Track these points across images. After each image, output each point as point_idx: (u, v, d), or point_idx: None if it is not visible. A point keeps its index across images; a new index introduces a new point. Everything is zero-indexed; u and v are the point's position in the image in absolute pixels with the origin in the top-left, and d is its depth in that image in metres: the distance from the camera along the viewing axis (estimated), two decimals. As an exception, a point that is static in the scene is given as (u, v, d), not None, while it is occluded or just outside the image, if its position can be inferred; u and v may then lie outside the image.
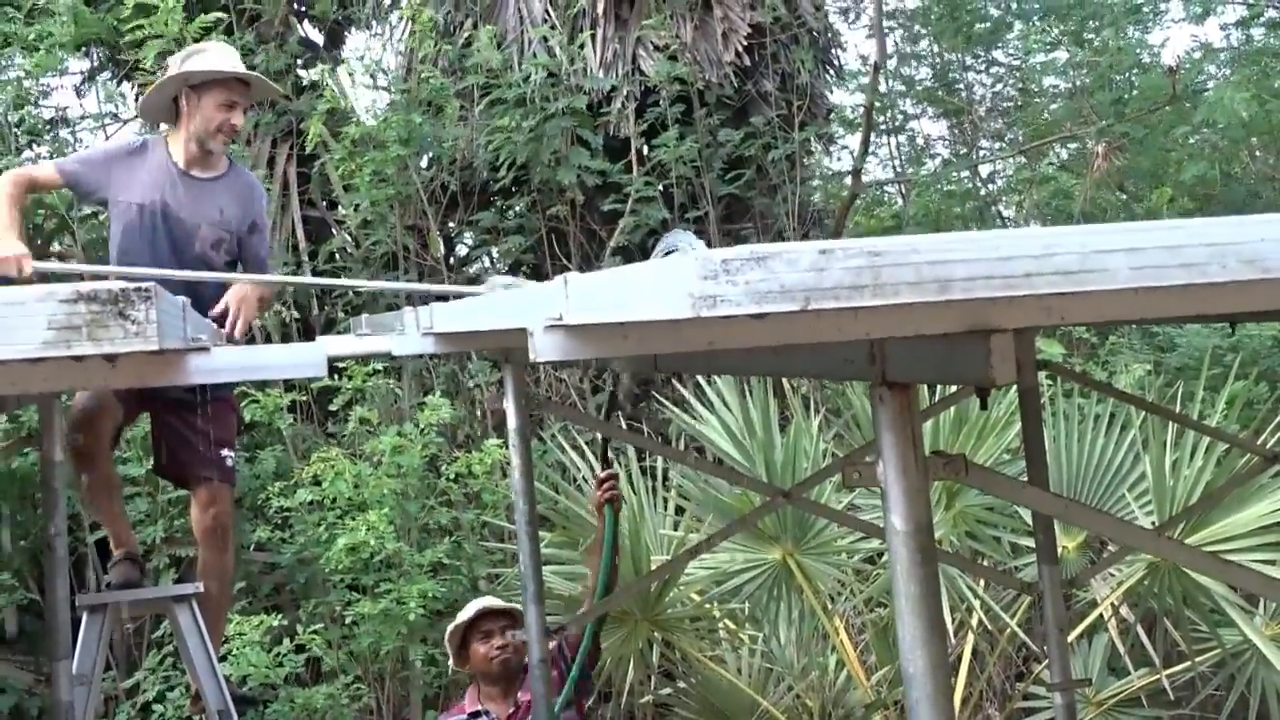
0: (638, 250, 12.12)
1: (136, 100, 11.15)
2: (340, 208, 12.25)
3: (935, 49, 20.54)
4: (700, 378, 8.60)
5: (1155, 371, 11.26)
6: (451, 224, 13.43)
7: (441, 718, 6.64)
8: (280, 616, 8.91)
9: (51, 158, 11.44)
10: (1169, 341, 13.00)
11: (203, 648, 5.73)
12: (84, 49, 11.96)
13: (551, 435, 9.99)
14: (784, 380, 9.20)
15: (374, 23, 14.33)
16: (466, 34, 12.86)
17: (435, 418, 9.56)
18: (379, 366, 10.14)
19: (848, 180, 15.87)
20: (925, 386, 5.38)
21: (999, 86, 21.36)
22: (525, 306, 2.66)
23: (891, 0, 20.18)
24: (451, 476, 9.61)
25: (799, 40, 13.78)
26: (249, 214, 6.11)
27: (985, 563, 8.08)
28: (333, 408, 10.28)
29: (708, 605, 8.23)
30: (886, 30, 17.58)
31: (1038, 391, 5.56)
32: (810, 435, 8.12)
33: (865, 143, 15.04)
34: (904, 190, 20.44)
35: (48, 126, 11.71)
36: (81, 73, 12.77)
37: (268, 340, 10.98)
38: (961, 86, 20.52)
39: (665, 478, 8.61)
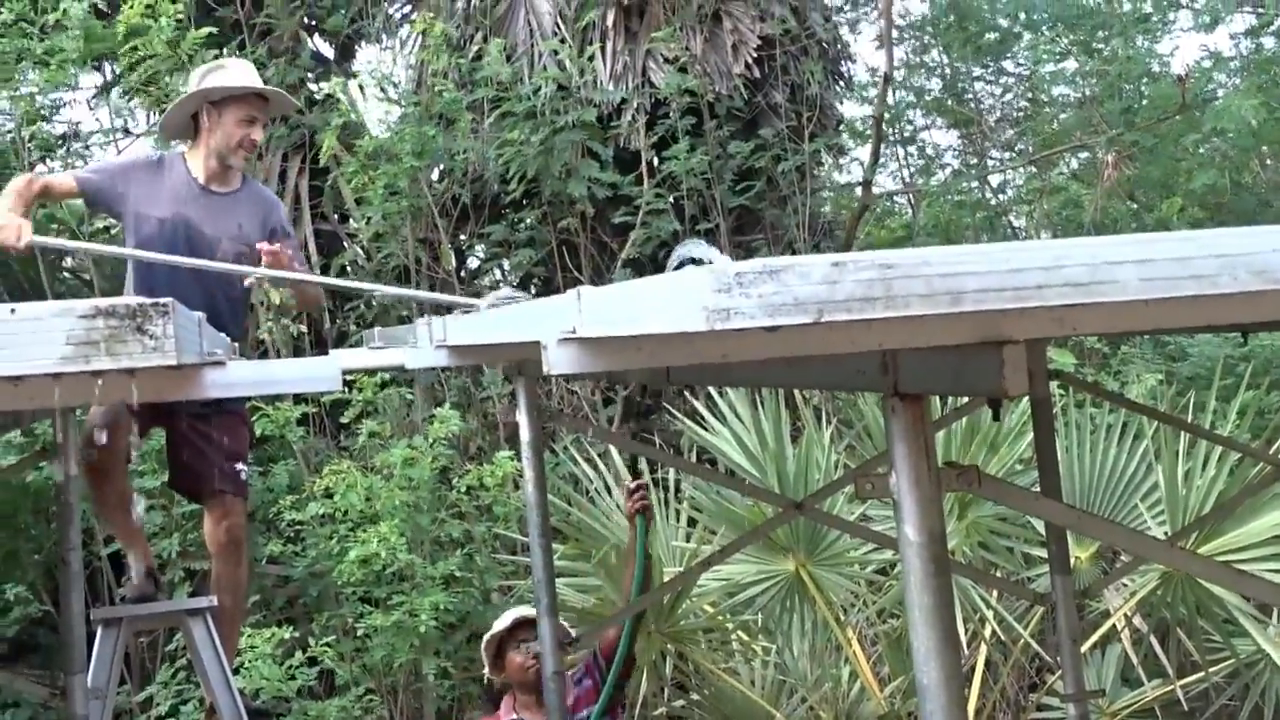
0: (649, 262, 12.12)
1: (148, 117, 11.20)
2: (352, 221, 12.28)
3: (945, 59, 20.53)
4: (712, 390, 8.60)
5: (1167, 381, 11.24)
6: (463, 237, 13.45)
7: (478, 725, 6.65)
8: (293, 629, 8.92)
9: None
10: (1180, 351, 12.98)
11: (217, 661, 5.74)
12: (96, 64, 11.98)
13: (564, 447, 9.99)
14: (795, 391, 9.20)
15: (384, 36, 14.36)
16: (476, 47, 12.88)
17: (445, 430, 9.57)
18: (389, 378, 10.15)
19: (858, 191, 15.87)
20: (936, 397, 5.38)
21: (1008, 96, 21.36)
22: (539, 319, 2.67)
23: (900, 11, 20.19)
24: (463, 489, 9.62)
25: (808, 52, 13.79)
26: (268, 224, 6.13)
27: (998, 573, 8.06)
28: (344, 420, 10.30)
29: (720, 617, 8.23)
30: (896, 41, 17.58)
31: (1050, 402, 5.56)
32: (822, 446, 8.12)
33: (875, 154, 15.05)
34: (911, 201, 20.44)
35: (60, 141, 11.74)
36: (95, 87, 12.80)
37: (277, 354, 10.98)
38: (971, 97, 20.51)
39: (677, 489, 8.61)
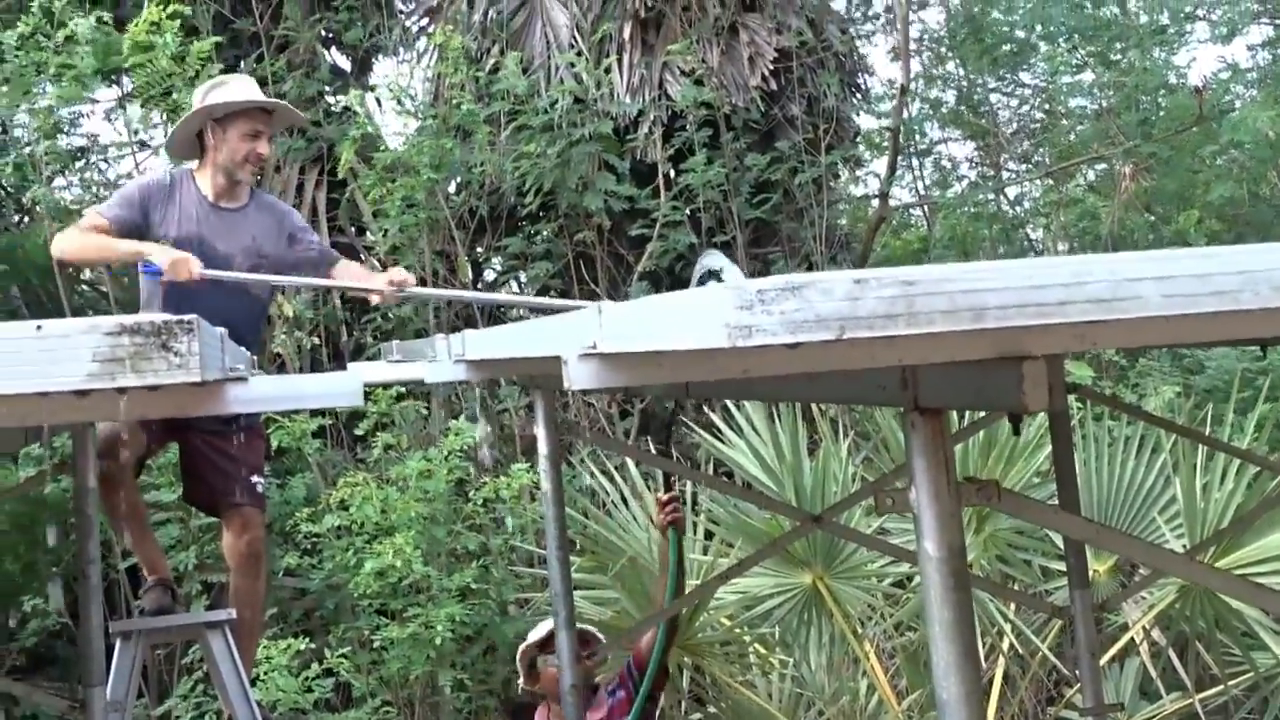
0: (665, 275, 12.14)
1: (165, 130, 11.22)
2: (369, 233, 12.30)
3: (961, 71, 20.52)
4: (729, 402, 8.60)
5: (1185, 394, 11.22)
6: (480, 249, 13.47)
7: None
8: (309, 641, 8.94)
9: (83, 185, 11.54)
10: (1198, 364, 12.96)
11: (235, 674, 5.74)
12: (113, 77, 12.02)
13: (580, 460, 10.00)
14: (812, 404, 9.20)
15: (401, 50, 14.41)
16: (494, 60, 12.91)
17: (460, 443, 9.58)
18: (405, 391, 10.16)
19: (874, 203, 15.88)
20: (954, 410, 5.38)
21: (1025, 108, 21.35)
22: (559, 335, 2.67)
23: (917, 23, 20.19)
24: (479, 501, 9.63)
25: (825, 64, 13.81)
26: (284, 231, 6.14)
27: (1016, 586, 8.05)
28: (358, 432, 10.32)
29: (738, 630, 8.22)
30: (912, 53, 17.59)
31: (1068, 415, 5.55)
32: (839, 459, 8.12)
33: (892, 166, 15.06)
34: (926, 213, 20.43)
35: (80, 154, 11.78)
36: (115, 100, 12.84)
37: (297, 368, 11.01)
38: (987, 109, 20.50)
39: (694, 502, 8.61)
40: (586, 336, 2.39)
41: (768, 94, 13.14)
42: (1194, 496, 7.56)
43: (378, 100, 13.31)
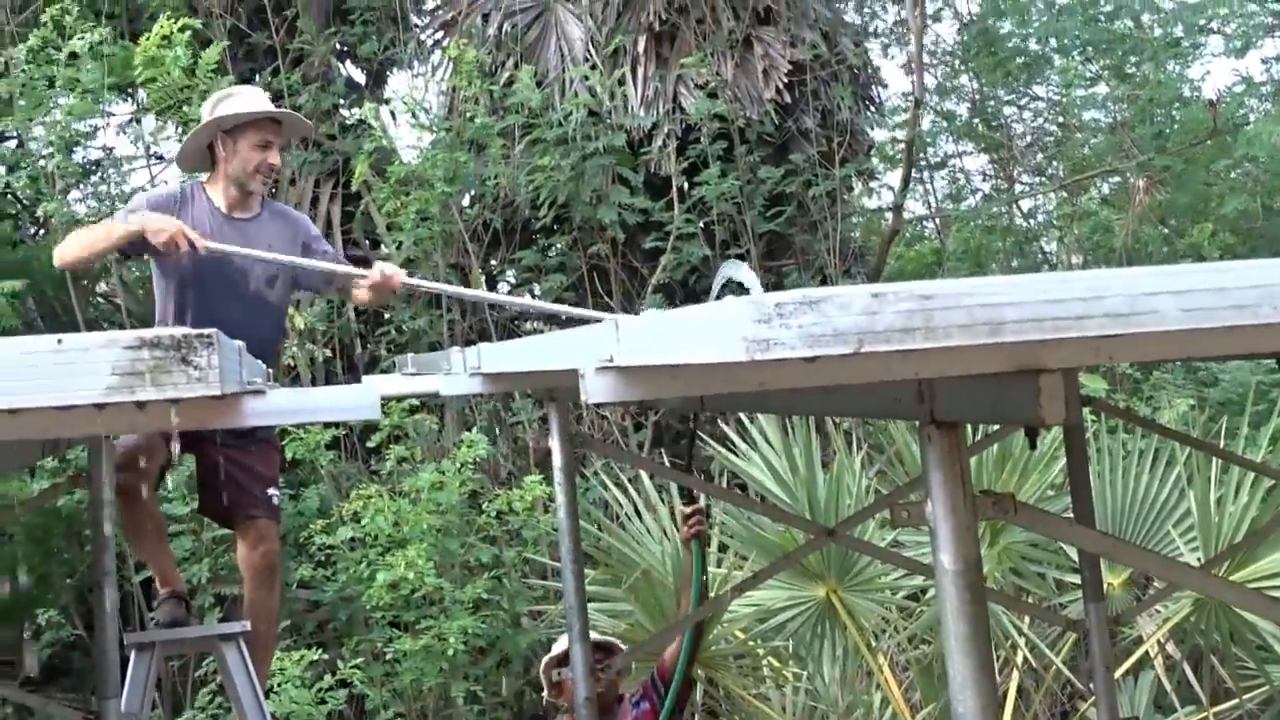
0: (679, 287, 12.15)
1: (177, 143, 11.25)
2: (383, 246, 12.32)
3: (975, 84, 20.51)
4: (743, 415, 8.60)
5: (1199, 407, 11.20)
6: (494, 262, 13.49)
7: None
8: (322, 652, 8.94)
9: (97, 198, 11.57)
10: (1212, 377, 12.93)
11: (250, 687, 5.74)
12: (128, 91, 12.06)
13: (594, 472, 10.00)
14: (826, 417, 9.19)
15: (416, 63, 14.43)
16: (508, 73, 12.93)
17: (472, 455, 9.58)
18: (418, 403, 10.17)
19: (888, 216, 15.87)
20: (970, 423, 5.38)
21: (1039, 121, 21.33)
22: (576, 348, 2.68)
23: (931, 33, 20.19)
24: (492, 513, 9.63)
25: (839, 77, 13.81)
26: (299, 240, 6.13)
27: (1030, 599, 8.04)
28: (371, 444, 10.33)
29: (751, 643, 8.21)
30: (926, 66, 17.59)
31: (1083, 428, 5.55)
32: (853, 472, 8.11)
33: (906, 179, 15.05)
34: (938, 226, 20.41)
35: (94, 167, 11.81)
36: (130, 113, 12.88)
37: (311, 380, 11.03)
38: (1001, 122, 20.49)
39: (708, 515, 8.60)
40: (603, 350, 2.39)
41: (782, 107, 13.15)
42: (1208, 510, 7.54)
43: (392, 114, 13.34)
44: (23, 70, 10.43)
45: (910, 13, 15.46)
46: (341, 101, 13.39)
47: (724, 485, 9.09)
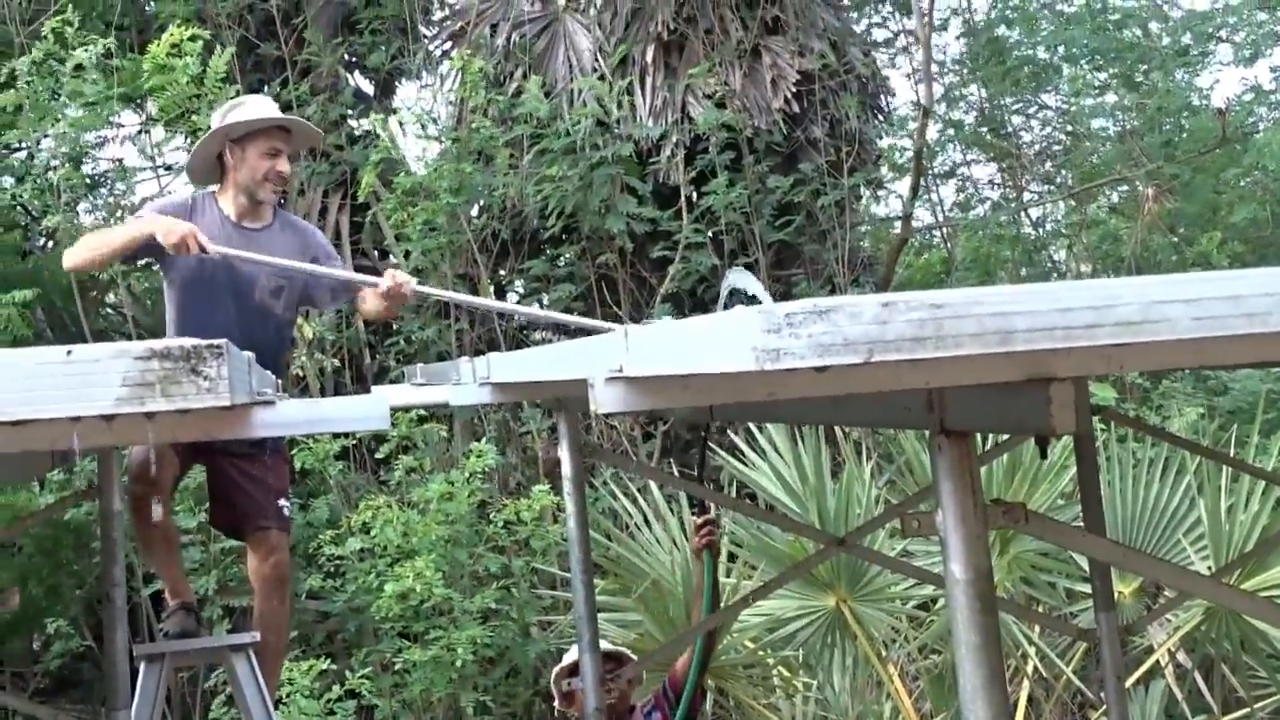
0: (688, 297, 12.15)
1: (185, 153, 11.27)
2: (392, 256, 12.34)
3: (983, 93, 20.51)
4: (752, 425, 8.59)
5: (1209, 416, 11.19)
6: (502, 272, 13.50)
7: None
8: (331, 662, 8.94)
9: (107, 209, 11.59)
10: (1222, 386, 12.92)
11: (260, 697, 5.74)
12: (138, 102, 12.08)
13: (603, 482, 10.00)
14: (836, 427, 9.18)
15: (424, 73, 14.45)
16: (516, 84, 12.94)
17: (481, 465, 9.58)
18: (428, 414, 10.18)
19: (897, 225, 15.87)
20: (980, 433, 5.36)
21: (1047, 130, 21.33)
22: (586, 358, 2.67)
23: (940, 45, 20.21)
24: (500, 523, 9.63)
25: (847, 86, 13.82)
26: (309, 252, 6.12)
27: (1040, 609, 8.03)
28: (379, 455, 10.33)
29: (761, 652, 8.20)
30: (935, 75, 17.59)
31: (1093, 437, 5.54)
32: (862, 482, 8.11)
33: (914, 188, 15.05)
34: (944, 235, 20.41)
35: (102, 179, 11.83)
36: (138, 125, 12.90)
37: (320, 390, 11.04)
38: (1009, 131, 20.49)
39: (718, 525, 8.59)
40: (613, 359, 2.39)
41: (790, 116, 13.16)
42: (1219, 518, 7.53)
43: (401, 124, 13.36)
44: (26, 83, 10.44)
45: (918, 22, 15.45)
46: (350, 112, 13.40)
47: (733, 495, 9.09)
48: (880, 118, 15.57)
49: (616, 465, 10.25)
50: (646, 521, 8.41)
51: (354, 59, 14.14)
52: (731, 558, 8.45)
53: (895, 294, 1.72)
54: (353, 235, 12.65)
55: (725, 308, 2.28)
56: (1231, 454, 8.51)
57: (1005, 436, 5.21)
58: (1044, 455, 4.55)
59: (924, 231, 19.98)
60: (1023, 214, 19.50)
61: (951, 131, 20.14)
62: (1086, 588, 6.92)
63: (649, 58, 13.26)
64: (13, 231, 11.27)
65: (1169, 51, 18.95)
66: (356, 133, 13.29)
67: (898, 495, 8.33)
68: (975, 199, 20.81)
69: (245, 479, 5.96)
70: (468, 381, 4.35)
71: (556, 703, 6.28)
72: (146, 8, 13.65)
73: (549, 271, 12.59)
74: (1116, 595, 6.84)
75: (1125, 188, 18.75)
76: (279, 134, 6.13)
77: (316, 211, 12.40)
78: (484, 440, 10.24)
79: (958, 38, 20.61)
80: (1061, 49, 19.05)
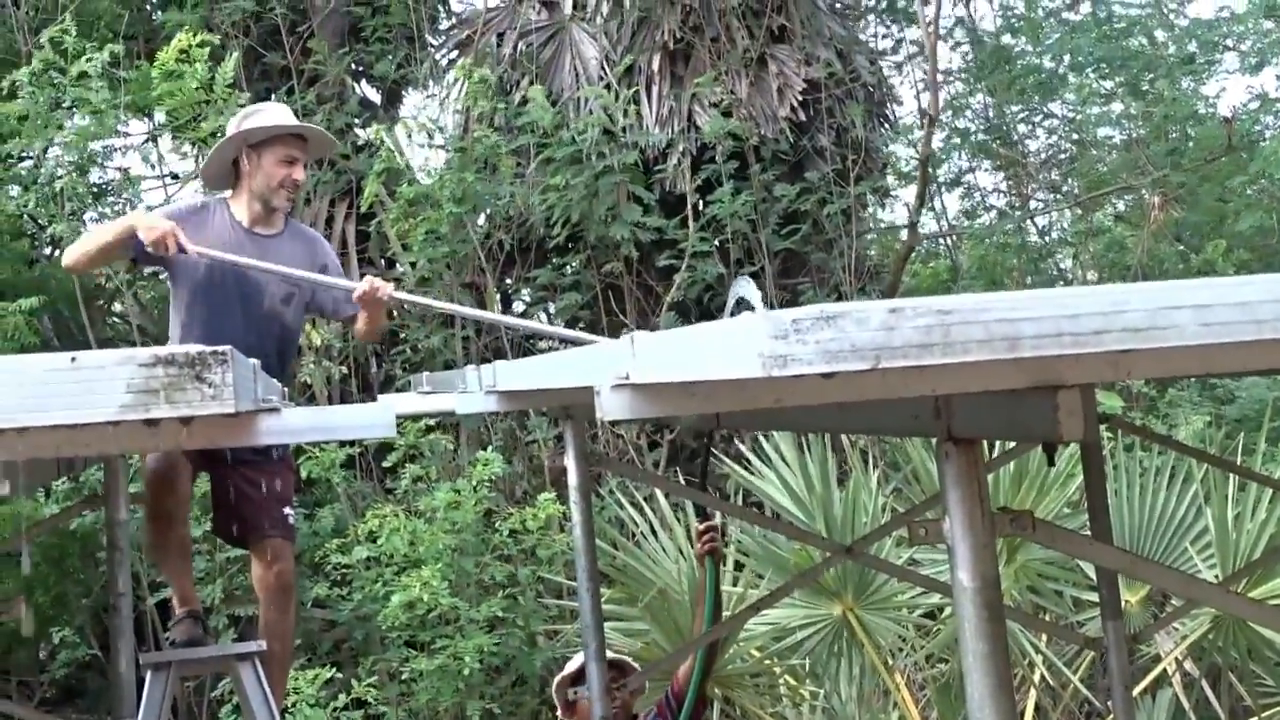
0: (694, 305, 12.15)
1: (197, 161, 11.28)
2: (398, 265, 12.34)
3: (989, 101, 20.50)
4: (759, 433, 8.58)
5: (1215, 424, 11.17)
6: (508, 281, 13.50)
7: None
8: (337, 671, 8.93)
9: (113, 218, 11.59)
10: (1228, 394, 12.90)
11: (266, 706, 5.73)
12: (145, 111, 12.09)
13: (609, 491, 9.99)
14: (842, 434, 9.17)
15: (430, 82, 14.45)
16: (523, 92, 12.95)
17: (488, 473, 9.58)
18: (435, 423, 10.18)
19: (903, 234, 15.87)
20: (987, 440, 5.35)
21: (1053, 138, 21.32)
22: (592, 365, 2.67)
23: (946, 54, 20.21)
24: (506, 532, 9.62)
25: (853, 95, 13.82)
26: (316, 262, 6.12)
27: (1047, 617, 8.02)
28: (387, 464, 10.33)
29: (768, 661, 8.19)
30: (941, 83, 17.59)
31: (1100, 445, 5.53)
32: (869, 490, 8.09)
33: (921, 196, 15.04)
34: (949, 244, 20.39)
35: (108, 187, 11.83)
36: (146, 133, 12.91)
37: (328, 399, 11.04)
38: (1016, 139, 20.48)
39: (724, 533, 8.58)
40: (619, 367, 2.38)
41: (796, 125, 13.16)
42: (1226, 527, 7.52)
43: (408, 133, 13.36)
44: (28, 94, 10.46)
45: (924, 30, 15.46)
46: (356, 121, 13.41)
47: (740, 503, 9.08)
48: (886, 126, 15.58)
49: (623, 474, 10.25)
50: (653, 530, 8.39)
51: (360, 68, 14.16)
52: (738, 566, 8.44)
53: (902, 300, 1.72)
54: (360, 244, 12.66)
55: (731, 317, 2.28)
56: (1238, 462, 8.49)
57: (1012, 444, 5.21)
58: (1051, 463, 4.53)
59: (931, 240, 19.96)
60: (1028, 222, 19.50)
61: (957, 140, 20.14)
62: (1093, 596, 6.92)
63: (655, 66, 13.26)
64: (19, 240, 11.27)
65: (1175, 60, 18.93)
66: (362, 142, 13.29)
67: (904, 504, 8.32)
68: (981, 207, 20.79)
69: (250, 487, 5.95)
70: (474, 389, 4.35)
71: (559, 712, 6.27)
72: (153, 17, 13.66)
73: (555, 280, 12.59)
74: (1123, 604, 6.83)
75: (1131, 196, 18.73)
76: (296, 142, 6.14)
77: (323, 220, 12.40)
78: (490, 449, 10.23)
79: (953, 47, 20.58)
80: (1067, 57, 19.05)
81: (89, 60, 10.38)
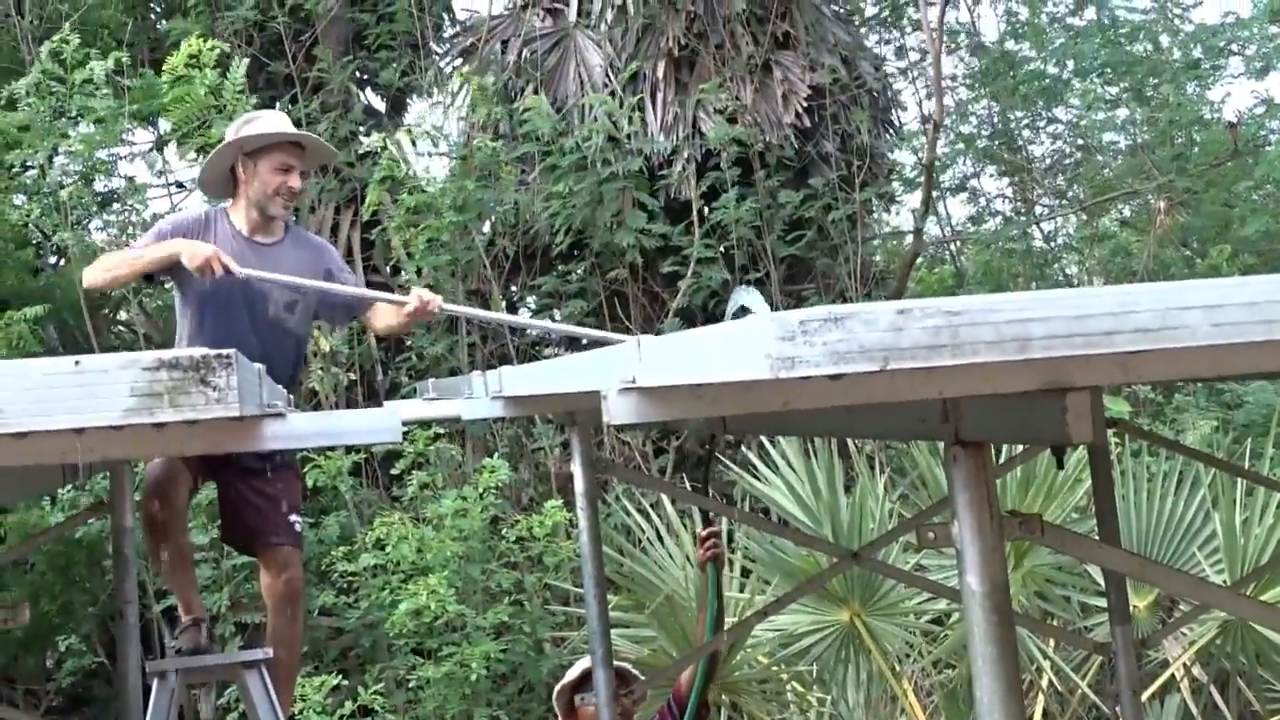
0: (699, 311, 12.14)
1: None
2: (403, 273, 12.34)
3: (994, 107, 20.50)
4: (764, 439, 8.57)
5: (1223, 428, 11.15)
6: (514, 288, 13.50)
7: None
8: (344, 679, 8.92)
9: (119, 226, 11.60)
10: (1236, 398, 12.88)
11: (272, 714, 5.72)
12: (151, 119, 12.10)
13: (615, 497, 9.98)
14: (849, 440, 9.16)
15: (434, 90, 14.45)
16: (527, 100, 12.95)
17: (494, 480, 9.57)
18: (441, 430, 10.17)
19: (908, 239, 15.86)
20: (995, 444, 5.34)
21: (1059, 144, 21.30)
22: (598, 369, 2.66)
23: (950, 59, 20.19)
24: (513, 539, 9.61)
25: (858, 101, 13.81)
26: (320, 267, 6.11)
27: (1055, 622, 8.00)
28: (395, 471, 10.32)
29: (775, 668, 8.17)
30: (945, 89, 17.58)
31: (1108, 450, 5.51)
32: (876, 495, 8.08)
33: (926, 202, 15.03)
34: (954, 249, 20.39)
35: (113, 196, 11.84)
36: (151, 141, 12.92)
37: (333, 405, 11.03)
38: (1021, 145, 20.47)
39: (730, 539, 8.57)
40: (626, 370, 2.37)
41: (801, 131, 13.15)
42: (1234, 531, 7.51)
43: (413, 141, 13.36)
44: (29, 103, 10.47)
45: (929, 36, 15.45)
46: (360, 128, 13.41)
47: (747, 509, 9.06)
48: (891, 132, 15.57)
49: (629, 480, 10.23)
50: (659, 537, 8.39)
51: (365, 76, 14.16)
52: (745, 572, 8.43)
53: (911, 301, 1.71)
54: (364, 252, 12.66)
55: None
56: (1246, 467, 8.48)
57: (1019, 449, 5.19)
58: (1060, 465, 4.53)
59: (935, 246, 19.95)
60: (1034, 228, 19.48)
61: (962, 145, 20.13)
62: (1101, 601, 6.90)
63: (660, 73, 13.27)
64: (25, 249, 11.28)
65: (1180, 65, 18.91)
66: (365, 149, 13.29)
67: (910, 509, 8.31)
68: (986, 213, 20.78)
69: (256, 494, 5.94)
70: (480, 395, 4.34)
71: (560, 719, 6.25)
72: (158, 25, 13.68)
73: (560, 287, 12.58)
74: (1131, 609, 6.82)
75: (1136, 201, 18.73)
76: (292, 149, 6.12)
77: (328, 228, 12.40)
78: (496, 456, 10.22)
79: (951, 52, 20.56)
80: (1072, 63, 19.03)
81: (93, 67, 10.38)
